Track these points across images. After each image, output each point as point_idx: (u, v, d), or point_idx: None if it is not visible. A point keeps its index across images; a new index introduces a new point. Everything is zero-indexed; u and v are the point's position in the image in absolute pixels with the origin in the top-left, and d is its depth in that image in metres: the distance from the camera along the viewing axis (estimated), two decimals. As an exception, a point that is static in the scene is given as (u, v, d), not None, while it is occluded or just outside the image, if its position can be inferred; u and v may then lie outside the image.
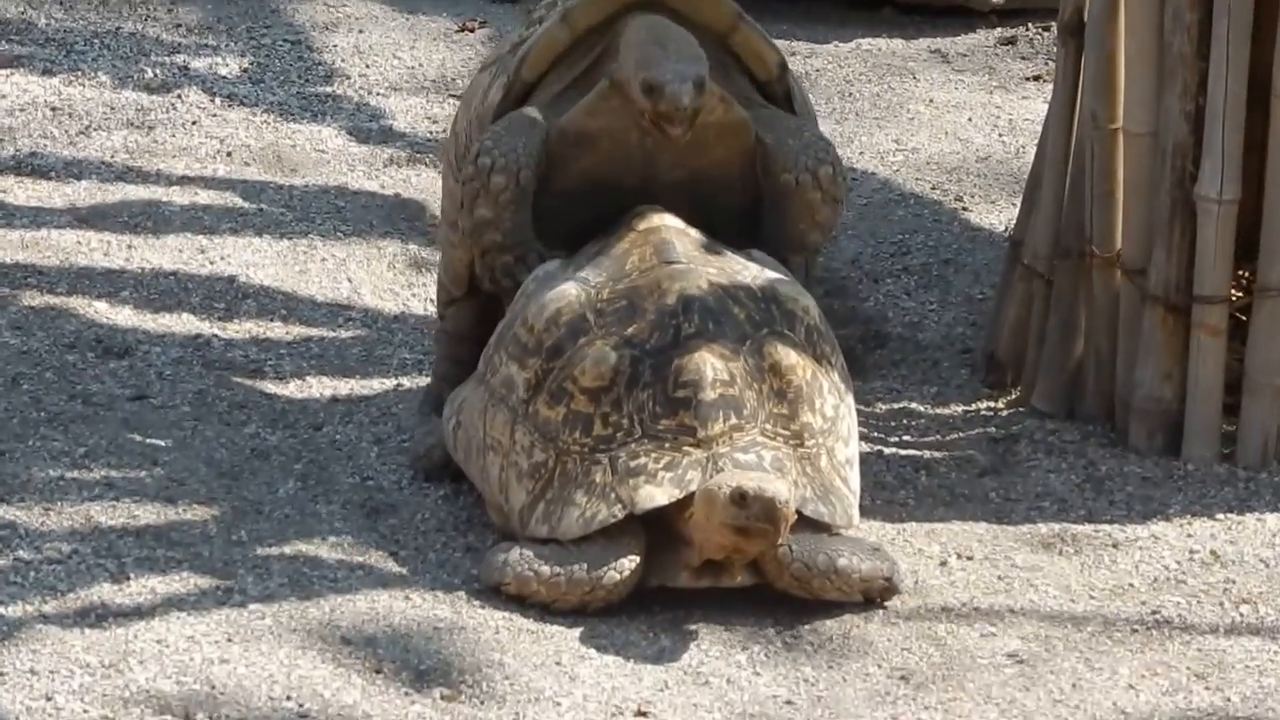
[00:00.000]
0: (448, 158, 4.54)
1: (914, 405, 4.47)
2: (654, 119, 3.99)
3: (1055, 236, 4.43)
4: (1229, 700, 3.61)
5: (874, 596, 3.72)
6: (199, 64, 5.37)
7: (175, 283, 4.66)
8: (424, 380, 4.62)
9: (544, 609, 3.70)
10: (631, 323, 3.89)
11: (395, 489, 4.22)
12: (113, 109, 5.20)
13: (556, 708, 3.46)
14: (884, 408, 4.40)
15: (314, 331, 4.66)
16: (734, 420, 3.77)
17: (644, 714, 3.47)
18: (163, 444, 4.45)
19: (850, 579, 3.68)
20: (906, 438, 4.41)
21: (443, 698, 3.45)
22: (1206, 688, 3.62)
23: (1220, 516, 4.14)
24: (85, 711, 3.38)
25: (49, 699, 3.40)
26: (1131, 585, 3.90)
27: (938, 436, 4.45)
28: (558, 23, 4.24)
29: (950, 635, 3.73)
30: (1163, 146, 4.31)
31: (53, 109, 5.21)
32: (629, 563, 3.66)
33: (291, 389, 4.59)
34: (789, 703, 3.48)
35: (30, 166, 4.96)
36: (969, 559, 4.00)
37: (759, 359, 3.83)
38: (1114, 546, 4.04)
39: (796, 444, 3.83)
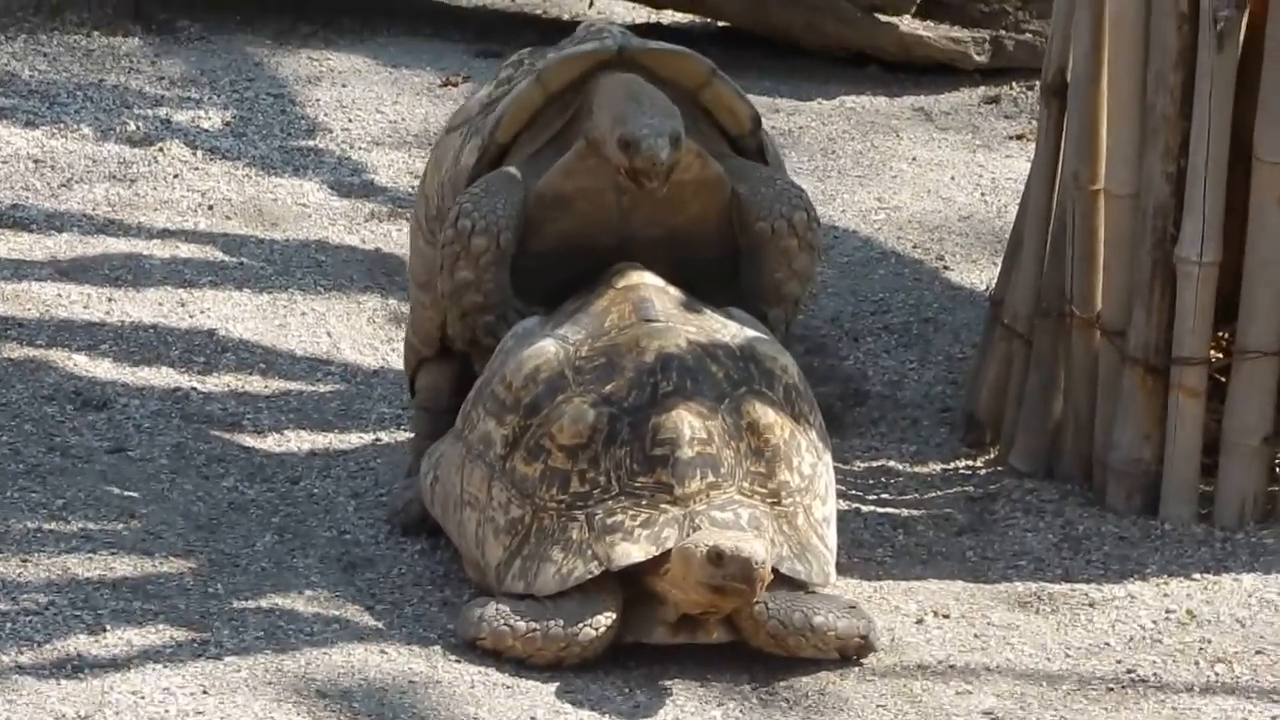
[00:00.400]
0: (418, 219, 4.54)
1: (892, 463, 4.43)
2: (630, 175, 4.00)
3: (1036, 296, 4.42)
4: None
5: (850, 654, 3.70)
6: (181, 117, 5.37)
7: (155, 336, 4.68)
8: (402, 435, 4.61)
9: (520, 664, 3.67)
10: (610, 380, 3.89)
11: (372, 543, 4.22)
12: (95, 162, 5.20)
13: None
14: (862, 465, 4.36)
15: (293, 385, 4.66)
16: (711, 478, 3.75)
17: None
18: (140, 496, 4.44)
19: (826, 636, 3.66)
20: (884, 495, 4.41)
21: None
22: None
23: (1197, 576, 4.14)
24: None
25: None
26: (1107, 644, 3.88)
27: (916, 495, 4.44)
28: (531, 83, 4.26)
29: (926, 693, 3.72)
30: (1144, 208, 4.33)
31: (35, 161, 5.22)
32: (605, 619, 3.66)
33: (270, 443, 4.58)
34: None
35: (11, 219, 4.97)
36: (945, 617, 3.99)
37: (737, 417, 3.84)
38: (1090, 605, 4.04)
39: (774, 502, 3.82)
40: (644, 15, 6.16)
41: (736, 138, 4.27)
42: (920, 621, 3.96)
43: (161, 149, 5.20)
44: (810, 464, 3.92)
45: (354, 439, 4.55)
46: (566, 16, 5.97)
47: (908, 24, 5.49)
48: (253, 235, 4.99)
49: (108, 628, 3.83)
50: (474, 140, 4.37)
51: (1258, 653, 3.89)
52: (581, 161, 4.16)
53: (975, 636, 3.91)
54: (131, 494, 4.36)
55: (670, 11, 5.89)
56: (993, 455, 4.56)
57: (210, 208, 5.00)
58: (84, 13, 5.58)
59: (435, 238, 4.30)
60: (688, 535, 3.65)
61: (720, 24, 5.87)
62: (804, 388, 4.05)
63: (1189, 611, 4.01)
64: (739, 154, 4.27)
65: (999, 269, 4.64)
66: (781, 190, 4.19)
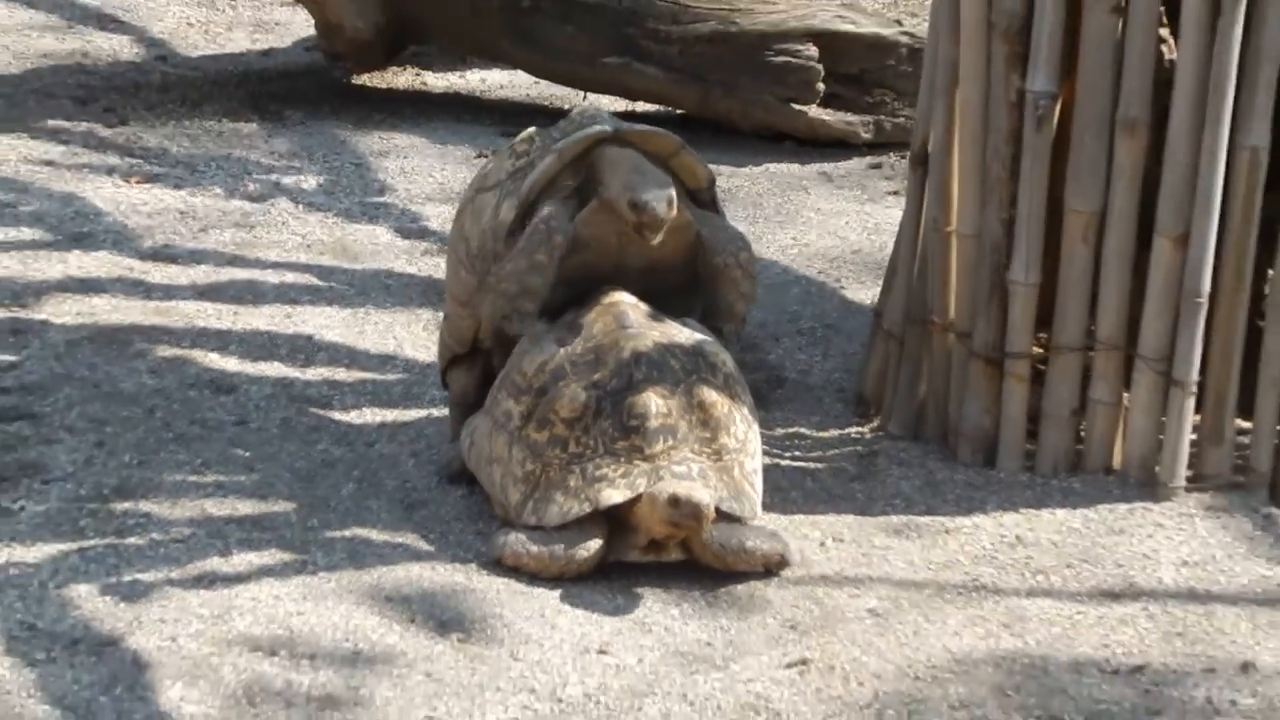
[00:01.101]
0: (458, 255, 4.49)
1: (803, 430, 4.39)
2: (636, 228, 4.05)
3: (906, 309, 4.36)
4: (1027, 643, 3.65)
5: (772, 568, 3.78)
6: (287, 181, 5.35)
7: (268, 339, 4.69)
8: (446, 411, 4.53)
9: (532, 577, 3.76)
10: (597, 371, 3.93)
11: (426, 490, 4.20)
12: (223, 213, 5.22)
13: (540, 647, 3.51)
14: (781, 432, 4.35)
15: (369, 375, 4.71)
16: (671, 442, 3.83)
17: (604, 652, 3.54)
18: (257, 456, 4.36)
19: (754, 556, 3.76)
20: (796, 454, 4.32)
21: (459, 640, 3.52)
22: (1011, 634, 3.66)
23: (1023, 511, 4.14)
24: (199, 650, 3.43)
25: (174, 640, 3.45)
26: (959, 560, 3.94)
27: (820, 453, 4.39)
28: (553, 158, 4.21)
29: (826, 596, 3.77)
30: (984, 244, 4.23)
31: (180, 213, 5.23)
32: (594, 544, 3.76)
33: (352, 416, 4.52)
34: (709, 644, 3.52)
35: (163, 255, 5.03)
36: (840, 541, 4.02)
37: (689, 397, 3.90)
38: (946, 533, 4.08)
39: (716, 459, 3.88)
40: (623, 105, 6.11)
41: (696, 193, 4.28)
42: (822, 544, 3.98)
43: (272, 204, 5.22)
44: (743, 431, 3.97)
45: (413, 414, 4.51)
46: (566, 106, 5.83)
47: (814, 112, 5.46)
48: (339, 266, 5.04)
49: (234, 552, 3.86)
50: (510, 199, 4.30)
51: (1067, 566, 3.92)
52: (595, 215, 4.17)
53: (862, 555, 3.95)
54: (250, 455, 4.31)
55: (642, 103, 5.90)
56: (876, 424, 4.47)
57: (308, 246, 5.06)
58: (216, 105, 5.58)
59: (475, 269, 4.28)
60: (653, 484, 3.73)
61: (679, 112, 5.89)
62: (738, 375, 4.09)
63: (1017, 536, 4.04)
64: (699, 206, 4.30)
65: (880, 289, 4.64)
66: (731, 234, 4.26)
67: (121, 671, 3.33)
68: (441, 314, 4.70)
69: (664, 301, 4.18)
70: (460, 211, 4.56)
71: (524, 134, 4.55)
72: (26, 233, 5.22)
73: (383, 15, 5.54)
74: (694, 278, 4.26)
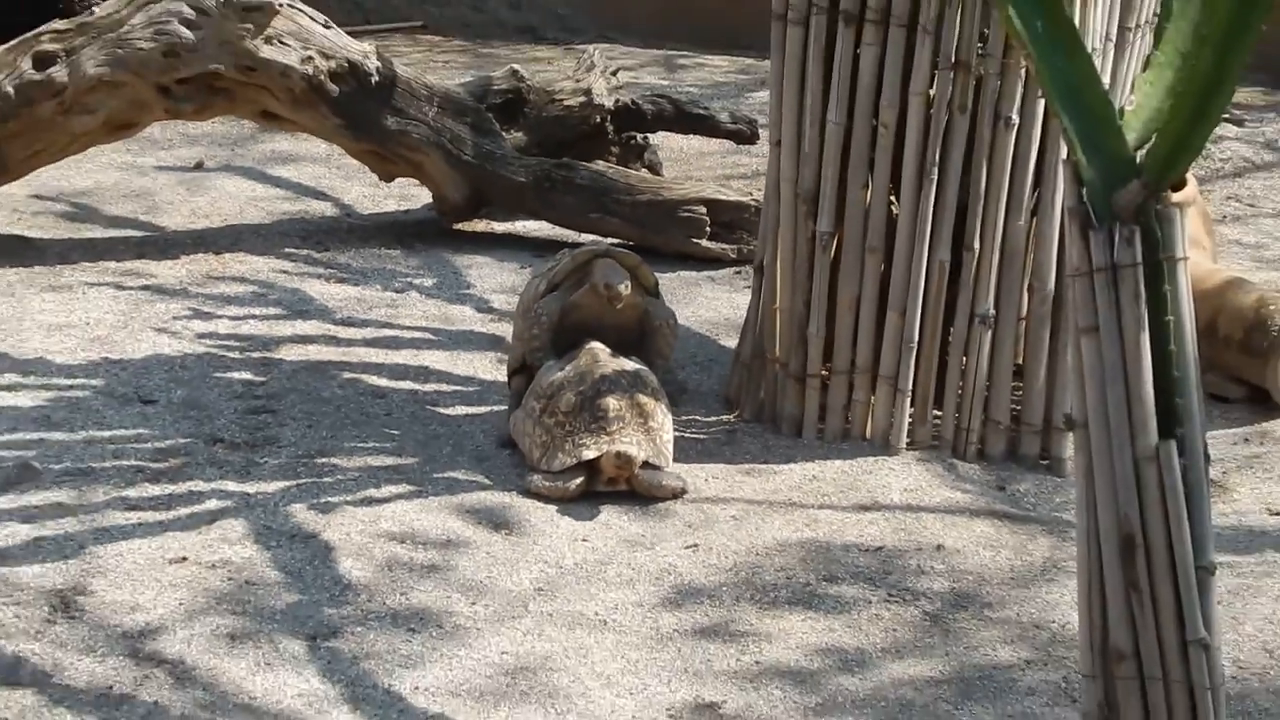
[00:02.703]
0: (518, 313, 4.37)
1: (696, 418, 4.24)
2: (608, 300, 4.07)
3: (753, 350, 4.23)
4: (818, 534, 3.65)
5: (676, 495, 3.76)
6: (416, 282, 5.12)
7: (404, 368, 4.43)
8: (504, 406, 4.56)
9: (545, 500, 3.72)
10: (581, 385, 3.89)
11: (490, 451, 4.06)
12: (381, 300, 4.63)
13: (549, 537, 3.51)
14: (684, 419, 4.14)
15: (459, 388, 4.48)
16: (620, 425, 3.80)
17: (585, 540, 3.56)
18: (397, 433, 4.10)
19: (666, 488, 3.76)
20: (691, 431, 4.11)
21: (505, 534, 3.53)
22: (810, 530, 3.65)
23: (816, 462, 3.97)
24: (361, 540, 3.43)
25: (347, 535, 3.42)
26: (781, 489, 3.82)
27: (705, 431, 4.21)
28: (568, 262, 4.13)
29: (707, 509, 3.71)
30: (793, 315, 3.86)
31: (357, 299, 4.75)
32: (578, 480, 3.75)
33: (449, 411, 4.24)
34: (642, 535, 3.54)
35: (347, 322, 4.81)
36: (716, 479, 3.91)
37: (631, 400, 3.88)
38: (775, 474, 3.92)
39: (646, 434, 3.84)
40: (606, 241, 5.92)
41: (647, 288, 4.24)
42: (706, 481, 3.88)
43: (407, 295, 4.99)
44: (661, 418, 3.91)
45: (483, 410, 4.31)
46: (569, 241, 5.60)
47: (705, 243, 5.31)
48: (444, 328, 4.80)
49: (382, 485, 3.72)
50: (544, 283, 4.25)
51: (840, 492, 3.80)
52: (585, 295, 4.08)
53: (727, 487, 3.85)
54: (393, 431, 4.12)
55: (610, 239, 5.51)
56: (736, 415, 4.29)
57: (427, 318, 4.79)
58: (378, 240, 5.24)
59: (524, 320, 4.24)
60: (609, 447, 3.75)
61: (631, 244, 5.62)
62: (659, 388, 4.00)
63: (813, 475, 3.87)
64: (647, 294, 4.25)
65: (739, 339, 4.49)
66: (666, 310, 4.26)
67: (318, 552, 3.31)
68: (503, 353, 4.66)
69: (624, 348, 4.11)
70: (523, 291, 4.46)
71: (560, 253, 4.45)
72: (272, 310, 4.97)
73: (468, 190, 5.35)
74: (642, 334, 4.17)
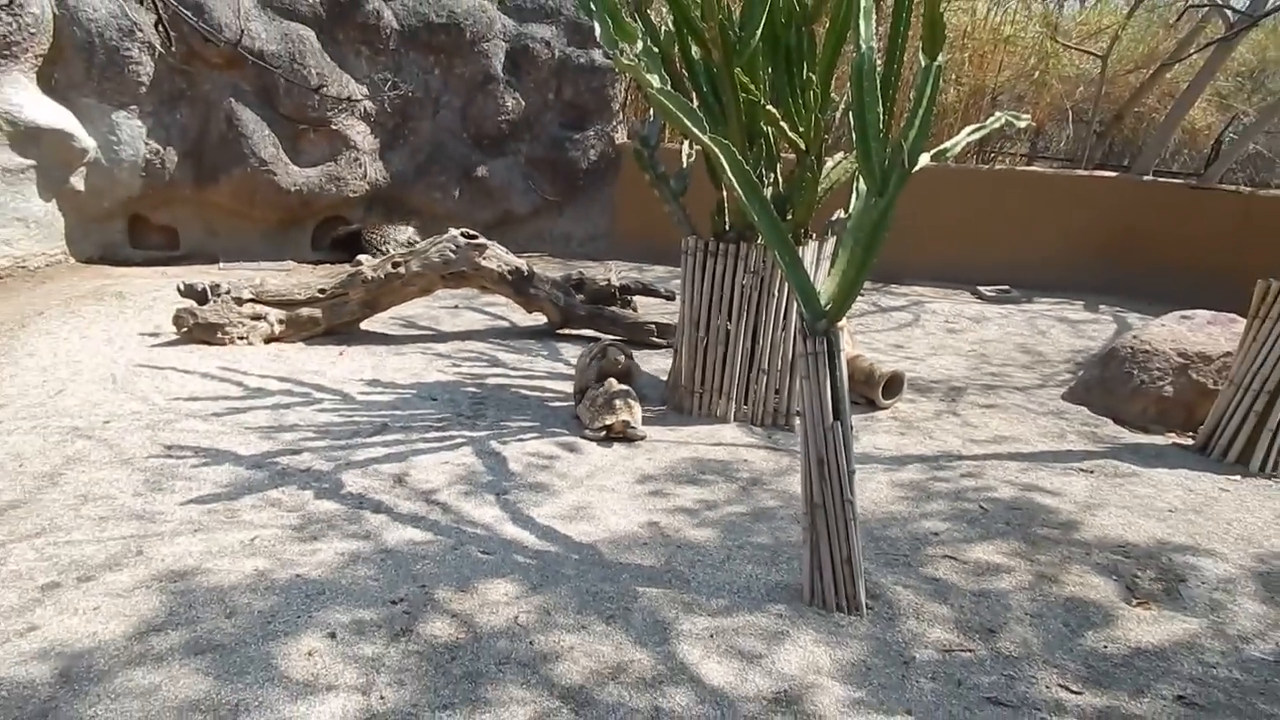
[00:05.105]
0: (578, 367, 4.60)
1: (649, 408, 4.55)
2: (614, 361, 4.36)
3: (672, 380, 4.56)
4: (698, 452, 4.02)
5: (642, 439, 4.08)
6: (538, 356, 5.47)
7: (524, 390, 4.77)
8: (573, 403, 4.49)
9: (589, 440, 4.10)
10: (604, 394, 4.31)
11: (568, 419, 4.34)
12: (525, 365, 5.43)
13: (592, 457, 3.89)
14: (646, 409, 4.47)
15: (553, 391, 4.86)
16: (620, 410, 4.17)
17: (605, 456, 3.88)
18: (518, 413, 4.43)
19: (638, 436, 4.12)
20: (647, 414, 4.40)
21: (574, 455, 3.91)
22: (691, 452, 3.98)
23: (695, 428, 4.34)
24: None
25: (513, 454, 3.83)
26: (687, 440, 4.15)
27: (652, 413, 4.53)
28: (597, 348, 4.52)
29: (656, 445, 4.10)
30: (689, 367, 4.41)
31: (517, 359, 5.48)
32: (603, 433, 4.10)
33: (545, 400, 4.68)
34: (628, 457, 3.90)
35: (514, 368, 5.24)
36: (657, 434, 4.28)
37: (625, 400, 4.26)
38: (680, 431, 4.27)
39: (631, 414, 4.20)
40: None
41: (628, 355, 4.43)
42: (654, 434, 4.22)
43: (536, 362, 5.39)
44: (637, 408, 4.26)
45: (567, 404, 4.59)
46: (601, 337, 5.90)
47: (655, 339, 5.94)
48: (554, 371, 5.14)
49: (527, 434, 4.13)
50: (588, 357, 4.43)
51: (701, 443, 4.10)
52: (606, 360, 4.40)
53: (661, 436, 4.21)
54: (530, 412, 4.43)
55: (614, 338, 5.73)
56: (666, 407, 4.62)
57: (542, 371, 5.13)
58: (518, 343, 5.74)
59: (580, 371, 4.37)
60: (615, 418, 4.07)
61: (624, 339, 5.81)
62: (635, 394, 4.36)
63: (695, 432, 4.26)
64: (628, 359, 4.43)
65: (668, 375, 4.69)
66: (635, 364, 4.35)
67: (500, 460, 3.73)
68: (571, 382, 4.76)
69: (620, 379, 4.45)
70: (580, 357, 4.57)
71: (594, 343, 4.67)
72: (482, 363, 5.27)
73: (560, 318, 5.80)
74: (627, 373, 4.54)
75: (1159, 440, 4.17)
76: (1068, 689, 2.18)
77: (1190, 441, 4.12)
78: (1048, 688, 2.19)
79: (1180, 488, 3.57)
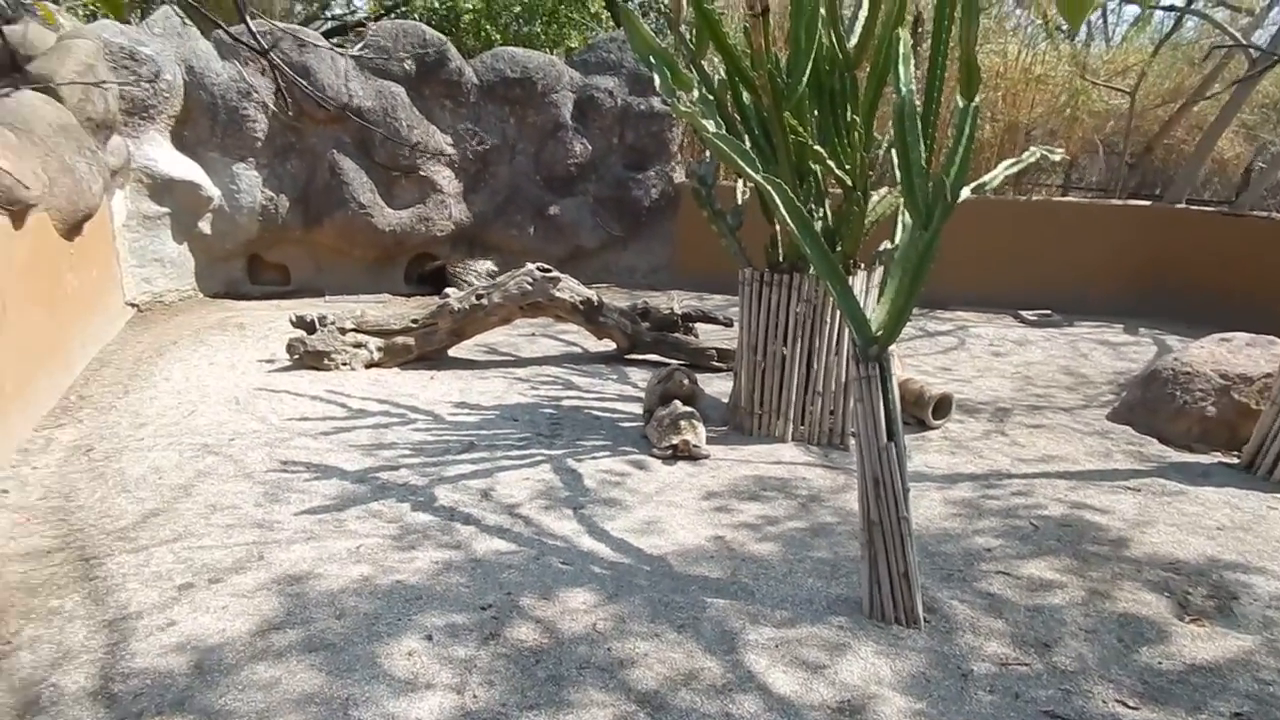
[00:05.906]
0: (648, 389, 4.56)
1: (712, 428, 4.45)
2: (679, 381, 4.31)
3: (733, 401, 4.40)
4: (757, 469, 3.94)
5: (705, 458, 3.95)
6: (608, 379, 5.44)
7: (597, 411, 4.72)
8: (642, 424, 4.42)
9: (658, 458, 4.03)
10: (671, 415, 4.23)
11: (637, 439, 4.30)
12: (597, 388, 5.40)
13: (660, 474, 3.79)
14: (709, 428, 4.42)
15: (622, 412, 4.78)
16: (685, 430, 4.08)
17: (671, 474, 3.80)
18: (589, 432, 4.38)
19: (702, 455, 3.97)
20: (709, 434, 4.33)
21: (643, 471, 3.84)
22: (758, 470, 3.88)
23: (756, 447, 4.22)
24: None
25: (588, 471, 3.80)
26: (749, 458, 4.03)
27: (715, 433, 4.41)
28: (665, 372, 4.45)
29: (720, 462, 3.98)
30: (749, 389, 4.25)
31: (589, 382, 5.36)
32: (670, 450, 4.01)
33: (627, 425, 4.56)
34: (692, 474, 3.79)
35: (587, 390, 5.22)
36: (719, 452, 4.18)
37: (689, 421, 4.16)
38: (741, 450, 4.22)
39: (695, 434, 4.09)
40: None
41: (692, 379, 4.35)
42: (716, 452, 4.12)
43: (607, 384, 5.30)
44: (701, 428, 4.17)
45: (637, 424, 4.52)
46: (668, 362, 5.79)
47: (716, 362, 5.71)
48: (623, 393, 5.03)
49: (599, 452, 4.06)
50: (656, 379, 4.40)
51: (762, 461, 3.99)
52: (672, 383, 4.30)
53: (723, 454, 4.06)
54: (604, 432, 4.36)
55: (679, 363, 5.52)
56: (729, 427, 4.50)
57: (613, 394, 5.05)
58: (591, 368, 5.67)
59: (649, 392, 4.30)
60: (680, 437, 3.99)
61: (688, 363, 5.62)
62: (699, 416, 4.27)
63: (755, 451, 4.14)
64: (692, 383, 4.37)
65: (729, 398, 4.54)
66: (699, 389, 4.32)
67: (576, 477, 3.68)
68: (642, 403, 4.70)
69: (685, 402, 4.41)
70: (649, 380, 4.50)
71: (661, 368, 4.62)
72: (558, 386, 5.14)
73: (628, 344, 5.72)
74: (691, 396, 4.45)
75: (1204, 459, 3.98)
76: (1124, 704, 2.10)
77: (1235, 460, 3.96)
78: (1104, 702, 2.11)
79: (1228, 505, 3.42)
